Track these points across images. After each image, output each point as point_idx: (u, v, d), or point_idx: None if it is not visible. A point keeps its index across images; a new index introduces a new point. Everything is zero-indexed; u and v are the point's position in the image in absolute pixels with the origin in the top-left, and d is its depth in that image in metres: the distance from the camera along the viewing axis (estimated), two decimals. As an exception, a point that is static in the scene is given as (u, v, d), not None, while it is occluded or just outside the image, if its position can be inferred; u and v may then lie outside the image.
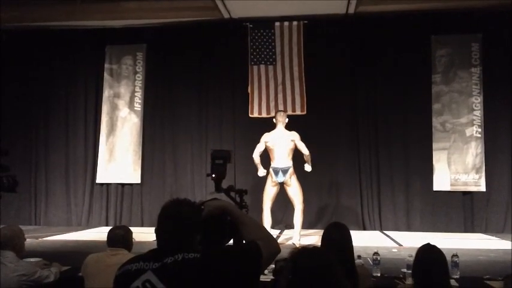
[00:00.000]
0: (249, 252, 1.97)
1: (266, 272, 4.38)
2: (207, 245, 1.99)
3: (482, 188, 9.04)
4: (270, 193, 7.17)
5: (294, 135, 7.19)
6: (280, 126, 7.27)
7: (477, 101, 9.20)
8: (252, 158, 7.35)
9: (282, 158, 7.10)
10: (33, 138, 10.37)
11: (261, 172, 7.36)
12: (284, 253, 2.17)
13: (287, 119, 7.37)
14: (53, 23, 9.89)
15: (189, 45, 10.01)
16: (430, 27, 9.37)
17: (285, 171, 7.06)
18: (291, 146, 7.16)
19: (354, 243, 3.18)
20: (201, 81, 10.11)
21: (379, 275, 4.79)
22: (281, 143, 7.15)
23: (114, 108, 10.24)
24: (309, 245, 3.01)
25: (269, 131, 7.39)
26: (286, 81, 9.52)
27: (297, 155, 7.29)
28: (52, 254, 5.68)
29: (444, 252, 3.02)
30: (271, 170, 7.17)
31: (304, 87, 9.42)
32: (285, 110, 9.07)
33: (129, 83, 10.25)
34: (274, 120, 7.41)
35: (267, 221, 6.96)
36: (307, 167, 7.32)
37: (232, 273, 1.89)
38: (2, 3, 8.75)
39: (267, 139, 7.25)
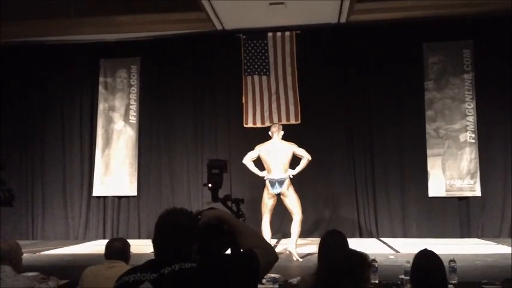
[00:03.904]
0: (246, 261, 1.97)
1: (264, 281, 4.39)
2: (204, 255, 2.00)
3: (478, 193, 9.07)
4: (267, 205, 7.08)
5: (292, 145, 7.10)
6: (276, 138, 7.19)
7: (470, 107, 9.26)
8: (244, 166, 7.28)
9: (277, 170, 7.02)
10: (29, 152, 10.36)
11: (262, 173, 7.21)
12: (281, 261, 2.19)
13: (282, 131, 7.26)
14: (47, 38, 9.94)
15: (183, 57, 10.05)
16: (421, 34, 9.44)
17: (281, 183, 6.98)
18: (288, 157, 7.06)
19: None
20: (195, 92, 10.15)
21: (377, 282, 4.79)
22: (276, 155, 7.06)
23: (109, 121, 10.25)
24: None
25: (264, 140, 7.34)
26: (280, 91, 9.56)
27: (292, 166, 7.22)
28: (50, 268, 5.67)
29: (441, 258, 3.03)
30: (267, 182, 7.09)
31: (298, 96, 9.46)
32: (279, 120, 9.12)
33: (124, 96, 10.27)
34: (269, 132, 7.31)
35: (266, 233, 6.87)
36: (293, 171, 7.11)
37: (230, 282, 1.89)
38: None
39: (261, 148, 7.18)
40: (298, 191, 7.33)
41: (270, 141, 7.24)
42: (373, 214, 9.41)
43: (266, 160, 7.14)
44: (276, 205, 7.26)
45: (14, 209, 9.98)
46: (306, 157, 7.08)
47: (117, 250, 3.68)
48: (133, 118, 10.21)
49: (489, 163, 9.17)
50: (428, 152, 9.28)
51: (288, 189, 7.01)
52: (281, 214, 8.14)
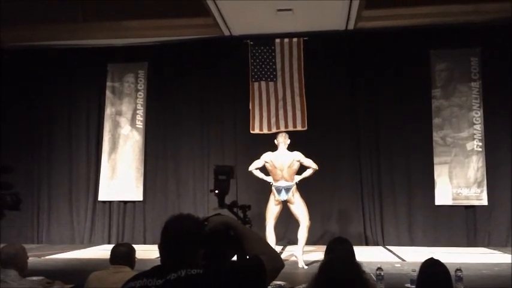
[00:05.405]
0: (252, 267, 1.96)
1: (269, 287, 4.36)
2: (210, 261, 2.00)
3: (484, 201, 9.02)
4: (273, 212, 7.04)
5: (298, 155, 7.04)
6: (282, 147, 7.13)
7: (477, 115, 9.22)
8: (251, 173, 7.23)
9: (284, 179, 7.00)
10: (36, 156, 10.39)
11: (268, 178, 7.18)
12: (287, 268, 2.17)
13: (289, 140, 7.21)
14: (54, 42, 9.99)
15: (190, 62, 10.07)
16: (429, 42, 9.42)
17: (287, 189, 6.96)
18: (295, 167, 7.03)
19: (357, 259, 3.17)
20: (202, 98, 10.17)
21: (382, 290, 4.78)
22: (283, 165, 7.01)
23: (116, 125, 10.28)
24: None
25: (270, 147, 7.30)
26: (287, 97, 9.55)
27: (299, 173, 7.16)
28: (55, 272, 5.66)
29: (448, 267, 3.01)
30: (273, 188, 7.06)
31: (305, 102, 9.45)
32: (286, 126, 9.12)
33: (131, 100, 10.30)
34: (275, 141, 7.26)
35: (271, 239, 6.82)
36: (298, 177, 7.10)
37: (236, 289, 1.89)
38: (3, 23, 8.85)
39: (267, 159, 7.10)
40: (304, 197, 7.28)
41: (276, 151, 7.17)
42: (379, 222, 9.38)
43: (272, 171, 7.10)
44: (281, 212, 7.23)
45: (20, 212, 10.10)
46: (312, 167, 7.05)
47: (123, 255, 3.68)
48: (140, 123, 10.24)
49: (496, 172, 9.13)
50: (435, 160, 9.24)
51: (294, 195, 6.99)
52: (286, 221, 8.12)
